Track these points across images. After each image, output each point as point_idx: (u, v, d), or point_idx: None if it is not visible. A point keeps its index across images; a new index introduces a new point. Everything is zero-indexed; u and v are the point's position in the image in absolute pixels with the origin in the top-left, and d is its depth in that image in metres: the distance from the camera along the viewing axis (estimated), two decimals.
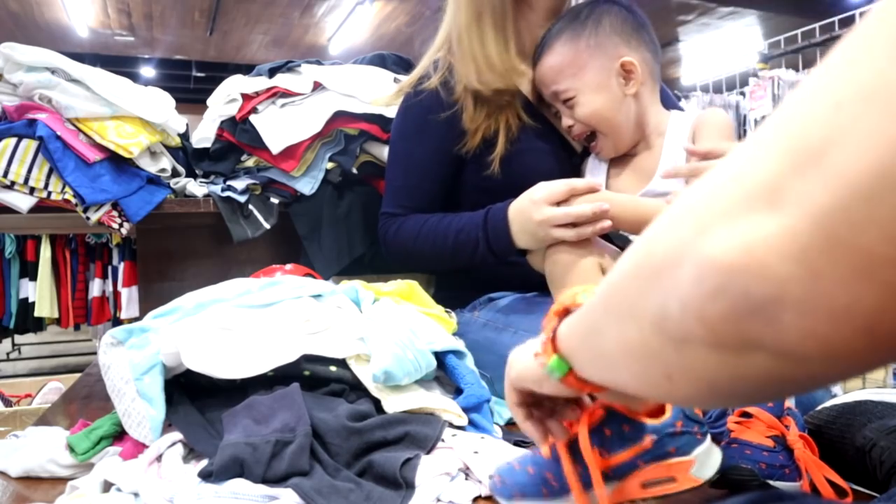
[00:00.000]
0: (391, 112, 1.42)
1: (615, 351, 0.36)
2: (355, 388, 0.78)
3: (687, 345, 0.28)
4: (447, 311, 1.02)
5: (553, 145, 1.12)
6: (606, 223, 0.90)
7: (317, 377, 0.78)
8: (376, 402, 0.77)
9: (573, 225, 0.91)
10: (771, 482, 0.65)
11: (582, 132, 1.05)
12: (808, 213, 0.23)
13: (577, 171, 1.12)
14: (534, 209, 0.94)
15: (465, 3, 1.08)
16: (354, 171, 1.45)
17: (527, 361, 0.51)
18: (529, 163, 1.10)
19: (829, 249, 0.22)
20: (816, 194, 0.23)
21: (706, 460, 0.56)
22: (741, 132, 3.42)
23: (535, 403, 0.57)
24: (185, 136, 1.55)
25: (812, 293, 0.23)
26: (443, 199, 1.15)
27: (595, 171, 1.08)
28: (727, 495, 0.62)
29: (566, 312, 0.46)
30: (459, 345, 0.90)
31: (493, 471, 0.63)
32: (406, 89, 1.16)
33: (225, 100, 1.48)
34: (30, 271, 3.23)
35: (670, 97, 1.20)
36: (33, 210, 1.27)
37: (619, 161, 1.07)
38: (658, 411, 0.56)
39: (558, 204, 0.93)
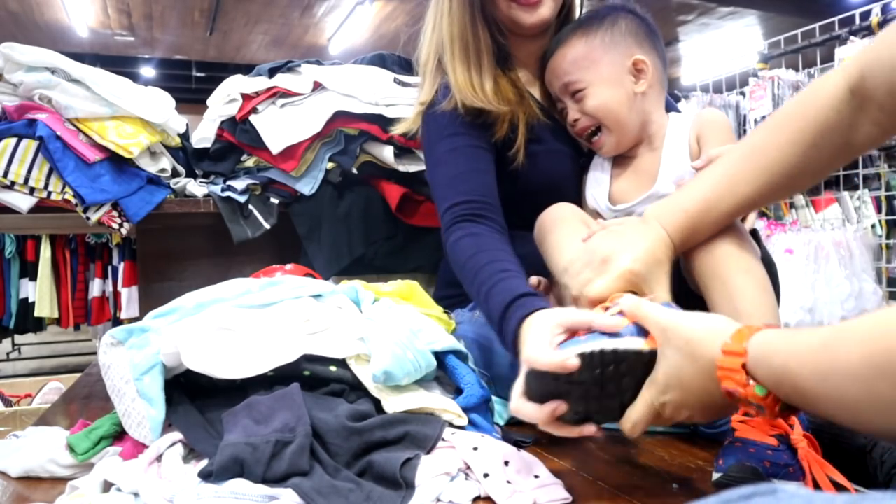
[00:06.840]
0: (391, 112, 1.42)
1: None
2: (355, 388, 0.78)
3: None
4: (447, 312, 1.02)
5: (567, 146, 1.13)
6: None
7: (317, 377, 0.78)
8: (376, 402, 0.77)
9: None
10: (774, 481, 0.64)
11: (587, 126, 1.06)
12: None
13: (583, 172, 1.12)
14: (527, 351, 0.72)
15: (459, 51, 1.10)
16: (354, 171, 1.45)
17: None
18: (550, 162, 1.11)
19: None
20: None
21: None
22: (741, 132, 3.42)
23: None
24: (185, 136, 1.55)
25: None
26: (494, 185, 1.09)
27: (599, 172, 1.09)
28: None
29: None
30: (459, 345, 0.90)
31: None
32: (424, 111, 1.15)
33: (225, 100, 1.48)
34: (30, 271, 3.23)
35: (668, 98, 1.21)
36: (33, 210, 1.27)
37: (621, 163, 1.08)
38: None
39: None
